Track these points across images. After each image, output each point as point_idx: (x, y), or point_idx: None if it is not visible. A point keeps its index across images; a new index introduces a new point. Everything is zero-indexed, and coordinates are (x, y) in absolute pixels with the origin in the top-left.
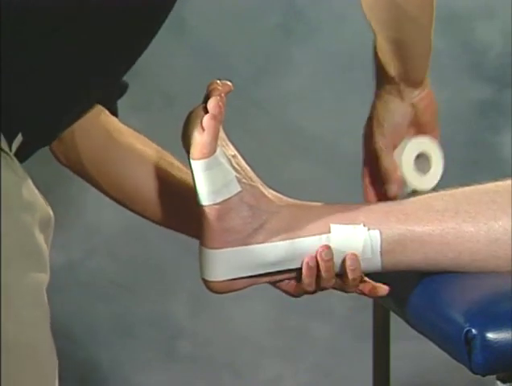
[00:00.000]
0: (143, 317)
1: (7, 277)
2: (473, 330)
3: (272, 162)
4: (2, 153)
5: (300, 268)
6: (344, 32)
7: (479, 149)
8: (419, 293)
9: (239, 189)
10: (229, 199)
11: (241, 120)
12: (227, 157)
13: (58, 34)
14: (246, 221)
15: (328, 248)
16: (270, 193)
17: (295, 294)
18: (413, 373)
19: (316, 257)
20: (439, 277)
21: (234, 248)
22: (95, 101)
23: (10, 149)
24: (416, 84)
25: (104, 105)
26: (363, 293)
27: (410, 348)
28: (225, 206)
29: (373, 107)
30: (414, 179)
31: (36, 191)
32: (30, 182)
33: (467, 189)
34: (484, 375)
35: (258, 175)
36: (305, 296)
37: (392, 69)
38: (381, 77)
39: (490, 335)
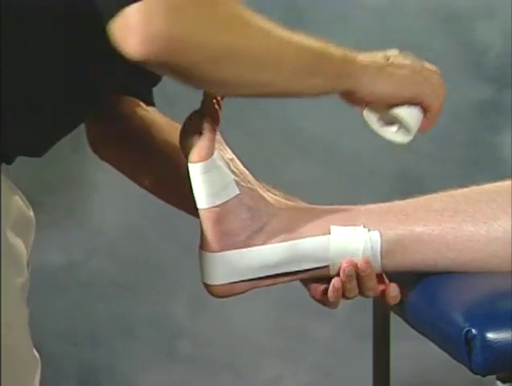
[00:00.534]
0: (143, 317)
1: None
2: (473, 330)
3: (272, 162)
4: None
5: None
6: (344, 32)
7: (479, 149)
8: (419, 293)
9: (237, 192)
10: (228, 201)
11: (240, 120)
12: (225, 160)
13: (58, 34)
14: (246, 224)
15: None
16: (269, 196)
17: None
18: (413, 373)
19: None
20: (439, 277)
21: (234, 251)
22: (97, 104)
23: None
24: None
25: (138, 97)
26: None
27: (410, 348)
28: (223, 209)
29: None
30: (385, 133)
31: (13, 194)
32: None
33: (466, 189)
34: (484, 375)
35: (257, 176)
36: (305, 296)
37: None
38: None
39: (490, 335)
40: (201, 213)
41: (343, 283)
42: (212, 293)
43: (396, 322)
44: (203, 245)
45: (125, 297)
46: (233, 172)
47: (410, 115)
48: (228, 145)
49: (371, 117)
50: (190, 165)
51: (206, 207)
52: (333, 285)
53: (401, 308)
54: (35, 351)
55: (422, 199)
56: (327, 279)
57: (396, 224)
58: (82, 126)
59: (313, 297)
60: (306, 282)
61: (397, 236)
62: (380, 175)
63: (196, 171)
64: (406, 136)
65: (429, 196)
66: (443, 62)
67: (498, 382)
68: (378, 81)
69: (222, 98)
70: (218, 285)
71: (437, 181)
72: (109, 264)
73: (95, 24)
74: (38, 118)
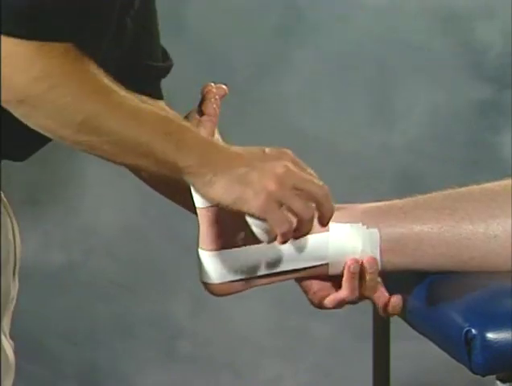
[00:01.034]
0: (143, 317)
1: None
2: (473, 330)
3: None
4: None
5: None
6: (344, 32)
7: (479, 149)
8: (419, 293)
9: None
10: None
11: (240, 119)
12: None
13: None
14: (244, 222)
15: (374, 260)
16: None
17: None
18: (413, 373)
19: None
20: (439, 277)
21: (232, 250)
22: None
23: None
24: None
25: (143, 92)
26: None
27: (410, 348)
28: (221, 207)
29: None
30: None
31: None
32: None
33: (465, 189)
34: (484, 375)
35: None
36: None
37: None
38: None
39: (490, 335)
40: (199, 212)
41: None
42: (210, 292)
43: (396, 322)
44: (201, 244)
45: (125, 297)
46: None
47: (253, 223)
48: (228, 144)
49: None
50: None
51: (204, 205)
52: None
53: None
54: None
55: (421, 198)
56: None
57: (395, 222)
58: None
59: (312, 302)
60: (304, 286)
61: (396, 234)
62: (380, 175)
63: None
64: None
65: (428, 195)
66: (443, 62)
67: (498, 382)
68: (203, 188)
69: (221, 97)
70: (217, 284)
71: (437, 181)
72: (108, 265)
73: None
74: (22, 123)
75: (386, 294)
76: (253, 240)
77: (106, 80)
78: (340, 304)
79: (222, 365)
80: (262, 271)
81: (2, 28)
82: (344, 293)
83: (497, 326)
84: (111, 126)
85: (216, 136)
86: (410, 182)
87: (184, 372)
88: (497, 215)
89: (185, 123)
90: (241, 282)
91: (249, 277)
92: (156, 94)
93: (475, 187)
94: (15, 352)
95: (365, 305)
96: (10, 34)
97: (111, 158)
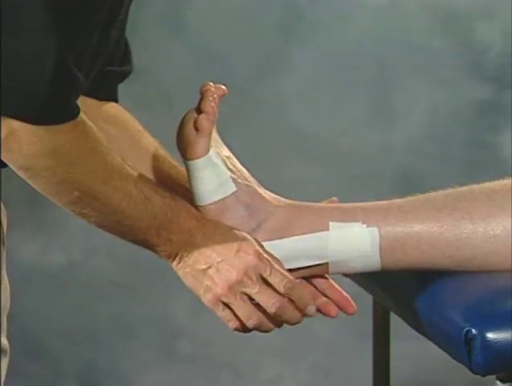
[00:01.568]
0: (143, 317)
1: None
2: (473, 330)
3: (272, 161)
4: None
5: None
6: (344, 32)
7: (479, 149)
8: (419, 293)
9: (234, 189)
10: (225, 198)
11: (240, 119)
12: (221, 158)
13: None
14: (243, 221)
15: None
16: (266, 193)
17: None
18: (413, 373)
19: None
20: (438, 277)
21: None
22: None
23: None
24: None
25: (99, 94)
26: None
27: (410, 348)
28: (221, 206)
29: None
30: None
31: None
32: None
33: (465, 188)
34: (484, 375)
35: (257, 175)
36: None
37: None
38: None
39: (490, 335)
40: (199, 210)
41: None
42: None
43: (396, 322)
44: None
45: (125, 297)
46: (229, 170)
47: None
48: (228, 144)
49: None
50: (186, 162)
51: (203, 204)
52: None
53: (401, 308)
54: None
55: (420, 197)
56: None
57: (395, 221)
58: None
59: None
60: None
61: (396, 233)
62: (380, 175)
63: (192, 168)
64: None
65: (428, 194)
66: (443, 62)
67: (498, 382)
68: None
69: (219, 97)
70: None
71: (437, 181)
72: (108, 264)
73: None
74: None
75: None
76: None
77: (110, 157)
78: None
79: (222, 365)
80: None
81: (13, 112)
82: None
83: (497, 326)
84: (107, 205)
85: (214, 135)
86: (410, 182)
87: (184, 372)
88: (497, 214)
89: (177, 202)
90: None
91: None
92: (111, 97)
93: (475, 187)
94: (15, 352)
95: (365, 305)
96: (21, 119)
97: (96, 226)
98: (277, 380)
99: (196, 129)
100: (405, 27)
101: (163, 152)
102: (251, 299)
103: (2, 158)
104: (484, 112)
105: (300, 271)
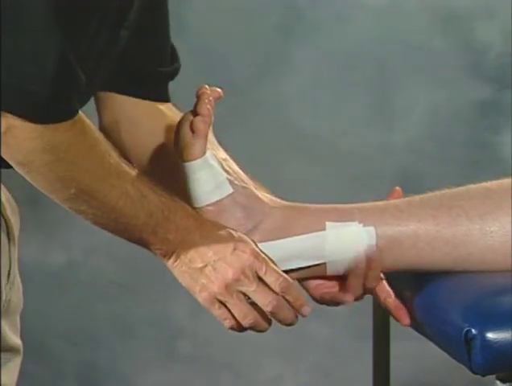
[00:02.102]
0: (143, 317)
1: None
2: (473, 330)
3: (272, 162)
4: None
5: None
6: (344, 32)
7: (479, 149)
8: (419, 293)
9: (231, 190)
10: (222, 200)
11: (240, 119)
12: (217, 160)
13: None
14: (240, 222)
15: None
16: (263, 194)
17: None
18: (413, 373)
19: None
20: (438, 277)
21: None
22: None
23: None
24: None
25: (150, 96)
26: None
27: (410, 348)
28: (217, 207)
29: None
30: None
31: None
32: None
33: (462, 188)
34: (484, 375)
35: (257, 175)
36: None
37: None
38: None
39: (490, 335)
40: (197, 212)
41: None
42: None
43: (396, 322)
44: None
45: (125, 297)
46: (226, 171)
47: None
48: (228, 144)
49: None
50: (183, 164)
51: (200, 205)
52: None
53: None
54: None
55: (417, 197)
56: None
57: (391, 220)
58: None
59: (313, 298)
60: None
61: (392, 232)
62: (380, 175)
63: (189, 170)
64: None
65: (424, 195)
66: (443, 62)
67: (498, 382)
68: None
69: (215, 99)
70: None
71: (437, 181)
72: (108, 264)
73: None
74: None
75: (388, 289)
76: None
77: (107, 155)
78: (343, 304)
79: (222, 365)
80: None
81: (14, 110)
82: (349, 296)
83: (497, 326)
84: (104, 202)
85: (211, 137)
86: (410, 182)
87: (184, 372)
88: (494, 211)
89: (175, 202)
90: None
91: None
92: (162, 97)
93: (471, 186)
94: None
95: (365, 305)
96: (21, 116)
97: (92, 223)
98: (277, 380)
99: (192, 131)
100: (405, 27)
101: None
102: (246, 298)
103: (2, 154)
104: (484, 112)
105: (298, 272)
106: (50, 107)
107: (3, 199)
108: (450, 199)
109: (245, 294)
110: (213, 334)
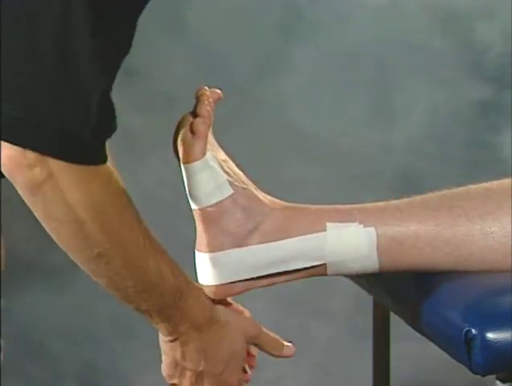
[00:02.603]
0: (143, 317)
1: None
2: (473, 330)
3: (272, 161)
4: None
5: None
6: (344, 32)
7: (479, 149)
8: (419, 294)
9: (231, 191)
10: (222, 201)
11: (240, 120)
12: (217, 161)
13: None
14: (240, 223)
15: None
16: (263, 195)
17: None
18: (413, 373)
19: None
20: (438, 277)
21: (229, 251)
22: None
23: None
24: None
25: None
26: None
27: (410, 348)
28: (218, 209)
29: None
30: None
31: None
32: None
33: (462, 188)
34: (484, 375)
35: (257, 175)
36: (305, 296)
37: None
38: None
39: (490, 335)
40: (196, 214)
41: None
42: (209, 295)
43: (396, 322)
44: (198, 246)
45: None
46: (226, 173)
47: None
48: (228, 144)
49: None
50: (183, 166)
51: (200, 207)
52: None
53: (401, 308)
54: None
55: (417, 198)
56: None
57: (392, 220)
58: None
59: None
60: None
61: (393, 232)
62: (380, 175)
63: (189, 172)
64: None
65: (424, 195)
66: (443, 62)
67: (498, 382)
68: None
69: (215, 101)
70: (214, 286)
71: (437, 181)
72: None
73: None
74: None
75: None
76: (249, 240)
77: (137, 227)
78: None
79: None
80: (260, 272)
81: (52, 151)
82: None
83: (497, 326)
84: (127, 266)
85: (210, 139)
86: (410, 182)
87: None
88: (494, 211)
89: (189, 288)
90: (239, 284)
91: (248, 278)
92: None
93: (471, 186)
94: (15, 352)
95: (365, 305)
96: (59, 157)
97: (105, 286)
98: (277, 380)
99: (192, 133)
100: (405, 27)
101: None
102: None
103: (30, 204)
104: (484, 112)
105: (298, 273)
106: (88, 148)
107: None
108: (450, 200)
109: None
110: None
